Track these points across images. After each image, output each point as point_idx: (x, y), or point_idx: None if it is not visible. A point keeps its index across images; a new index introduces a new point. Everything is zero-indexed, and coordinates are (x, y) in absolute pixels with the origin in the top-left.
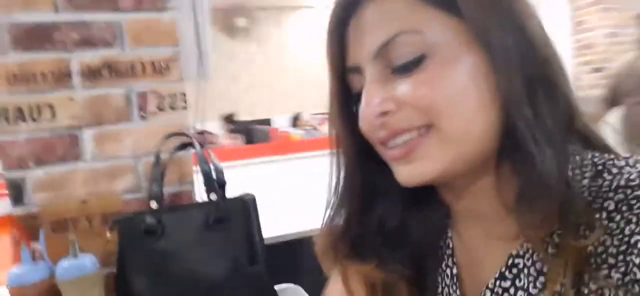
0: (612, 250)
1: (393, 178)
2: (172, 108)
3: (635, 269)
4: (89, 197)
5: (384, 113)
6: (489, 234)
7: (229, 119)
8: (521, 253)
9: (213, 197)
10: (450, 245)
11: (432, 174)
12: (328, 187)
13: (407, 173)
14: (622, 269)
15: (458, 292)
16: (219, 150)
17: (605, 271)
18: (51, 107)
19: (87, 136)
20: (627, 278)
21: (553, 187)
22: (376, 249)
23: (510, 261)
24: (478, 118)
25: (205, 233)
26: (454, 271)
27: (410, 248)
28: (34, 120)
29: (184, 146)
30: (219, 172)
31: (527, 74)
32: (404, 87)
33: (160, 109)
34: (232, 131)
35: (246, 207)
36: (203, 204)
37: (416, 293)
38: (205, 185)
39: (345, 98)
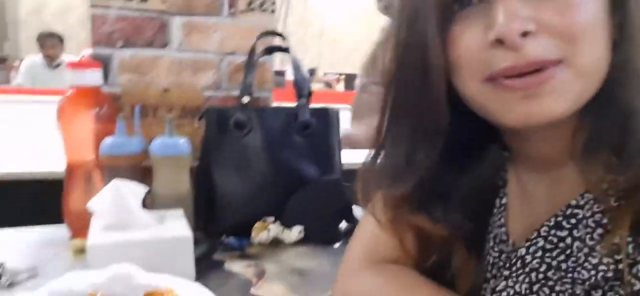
0: None
1: (462, 123)
2: (262, 9)
3: None
4: (171, 86)
5: (525, 34)
6: (550, 181)
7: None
8: (581, 203)
9: (300, 102)
10: (505, 193)
11: (562, 112)
12: (382, 119)
13: (530, 112)
14: None
15: (505, 236)
16: None
17: None
18: None
19: (176, 23)
20: None
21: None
22: (438, 203)
23: (568, 211)
24: (605, 55)
25: (290, 135)
26: (504, 201)
27: (471, 199)
28: None
29: (271, 50)
30: (307, 80)
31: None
32: (548, 6)
33: (250, 8)
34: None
35: (330, 117)
36: (290, 108)
37: (473, 250)
38: (295, 90)
39: (446, 15)
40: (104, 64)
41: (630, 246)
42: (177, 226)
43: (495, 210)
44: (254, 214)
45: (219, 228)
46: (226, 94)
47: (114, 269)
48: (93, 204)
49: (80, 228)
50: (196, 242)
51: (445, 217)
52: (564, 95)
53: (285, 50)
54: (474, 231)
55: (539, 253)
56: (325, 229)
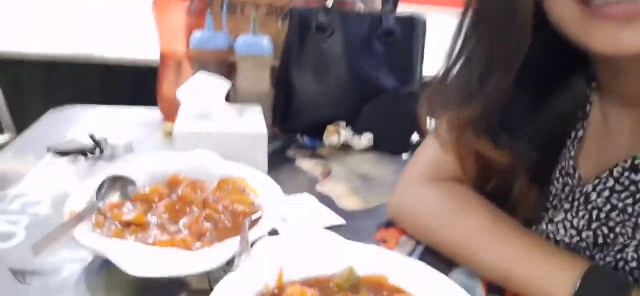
0: None
1: (543, 47)
2: None
3: None
4: None
5: None
6: (637, 119)
7: None
8: None
9: (384, 8)
10: (583, 126)
11: None
12: (458, 32)
13: (626, 39)
14: None
15: (573, 154)
16: None
17: None
18: None
19: None
20: None
21: None
22: (506, 129)
23: None
24: None
25: (372, 42)
26: (580, 134)
27: (542, 129)
28: None
29: None
30: None
31: None
32: None
33: None
34: None
35: (415, 26)
36: (374, 14)
37: (536, 183)
38: None
39: None
40: None
41: None
42: (254, 122)
43: (568, 142)
44: (328, 117)
45: (294, 127)
46: None
47: (195, 155)
48: (181, 93)
49: (171, 112)
50: (272, 138)
51: (511, 146)
52: None
53: None
54: (542, 161)
55: (606, 193)
56: (395, 139)
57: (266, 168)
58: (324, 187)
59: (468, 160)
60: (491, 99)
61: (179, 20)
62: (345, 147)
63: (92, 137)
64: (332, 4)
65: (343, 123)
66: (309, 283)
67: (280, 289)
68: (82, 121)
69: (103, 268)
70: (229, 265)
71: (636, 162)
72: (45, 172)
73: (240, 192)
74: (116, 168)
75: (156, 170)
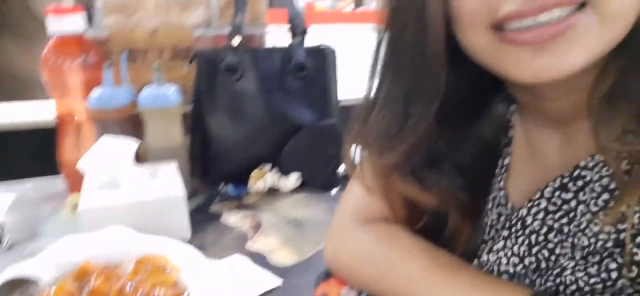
0: None
1: (462, 79)
2: None
3: None
4: (158, 27)
5: None
6: (562, 138)
7: None
8: (590, 165)
9: (294, 42)
10: (509, 152)
11: (581, 65)
12: (373, 75)
13: (547, 65)
14: None
15: (502, 184)
16: None
17: None
18: None
19: None
20: None
21: None
22: (431, 168)
23: (576, 173)
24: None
25: (284, 78)
26: (506, 161)
27: (469, 163)
28: None
29: None
30: (301, 18)
31: None
32: None
33: None
34: None
35: (326, 57)
36: (283, 48)
37: (469, 218)
38: (290, 28)
39: None
40: (87, 6)
41: (636, 216)
42: (169, 184)
43: (497, 171)
44: (250, 161)
45: (215, 176)
46: (218, 33)
47: (106, 235)
48: (83, 163)
49: (76, 181)
50: (193, 194)
51: (438, 186)
52: (584, 45)
53: None
54: (472, 196)
55: (541, 215)
56: (323, 175)
57: (189, 232)
58: (255, 244)
59: (396, 203)
60: (412, 143)
61: (73, 78)
62: (273, 191)
63: None
64: (239, 43)
65: (268, 167)
66: None
67: None
68: None
69: None
70: None
71: (564, 180)
72: None
73: (161, 272)
74: (15, 268)
75: (63, 261)
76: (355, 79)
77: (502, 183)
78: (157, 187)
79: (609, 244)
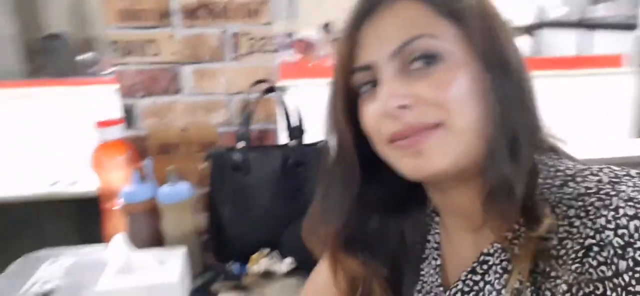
0: (572, 253)
1: (387, 181)
2: (263, 50)
3: (590, 269)
4: (188, 126)
5: (402, 107)
6: (470, 231)
7: (327, 28)
8: (491, 251)
9: (293, 142)
10: (437, 240)
11: (445, 166)
12: (321, 176)
13: (418, 165)
14: (578, 269)
15: (439, 281)
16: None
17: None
18: (155, 42)
19: (187, 71)
20: (581, 277)
21: (517, 191)
22: (361, 246)
23: (481, 258)
24: (480, 118)
25: (283, 173)
26: (438, 262)
27: (391, 248)
28: (141, 54)
29: (270, 90)
30: (299, 119)
31: (511, 92)
32: (422, 85)
33: (251, 51)
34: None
35: (322, 153)
36: (284, 147)
37: (390, 291)
38: (287, 131)
39: (350, 97)
40: (129, 111)
41: (528, 290)
42: (169, 271)
43: (428, 250)
44: (254, 244)
45: (226, 255)
46: (237, 129)
47: None
48: (109, 250)
49: None
50: (204, 269)
51: (364, 259)
52: (444, 151)
53: (279, 90)
54: (393, 278)
55: (459, 295)
56: (315, 260)
57: None
58: None
59: (339, 273)
60: (344, 221)
61: (117, 171)
62: (269, 274)
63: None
64: (246, 143)
65: (266, 250)
66: None
67: None
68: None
69: None
70: None
71: (474, 265)
72: None
73: None
74: None
75: None
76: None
77: (439, 280)
78: (159, 274)
79: None
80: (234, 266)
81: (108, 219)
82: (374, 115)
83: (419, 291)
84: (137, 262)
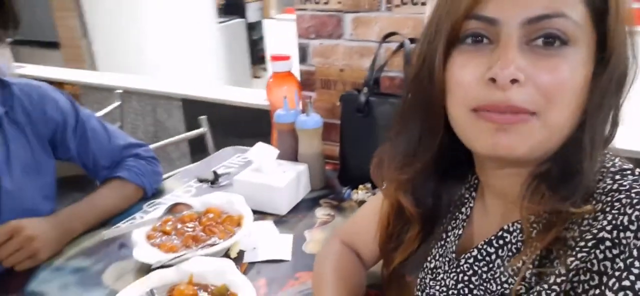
0: (582, 242)
1: (443, 143)
2: (414, 2)
3: (594, 260)
4: (344, 67)
5: (514, 81)
6: (504, 208)
7: None
8: (511, 229)
9: None
10: (467, 213)
11: (523, 153)
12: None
13: (498, 144)
14: (583, 258)
15: (454, 248)
16: None
17: (570, 258)
18: None
19: (348, 19)
20: (581, 265)
21: (583, 185)
22: (414, 195)
23: (500, 233)
24: (573, 119)
25: None
26: (460, 232)
27: (430, 206)
28: (316, 2)
29: (401, 45)
30: None
31: (609, 101)
32: (542, 67)
33: (404, 2)
34: None
35: None
36: (396, 95)
37: (422, 231)
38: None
39: (455, 44)
40: (303, 50)
41: (528, 272)
42: (283, 178)
43: (458, 220)
44: (366, 176)
45: (346, 180)
46: (384, 74)
47: (227, 196)
48: (250, 154)
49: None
50: (325, 187)
51: (419, 204)
52: (528, 139)
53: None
54: (432, 222)
55: (471, 261)
56: None
57: (284, 210)
58: (311, 233)
59: (390, 210)
60: (420, 166)
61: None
62: (363, 203)
63: (214, 172)
64: (366, 90)
65: (369, 184)
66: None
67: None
68: (229, 157)
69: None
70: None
71: (491, 238)
72: (182, 191)
73: (235, 223)
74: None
75: (206, 201)
76: None
77: (454, 247)
78: (276, 178)
79: (507, 292)
80: (345, 192)
81: (273, 130)
82: (474, 74)
83: (437, 252)
84: (266, 166)
